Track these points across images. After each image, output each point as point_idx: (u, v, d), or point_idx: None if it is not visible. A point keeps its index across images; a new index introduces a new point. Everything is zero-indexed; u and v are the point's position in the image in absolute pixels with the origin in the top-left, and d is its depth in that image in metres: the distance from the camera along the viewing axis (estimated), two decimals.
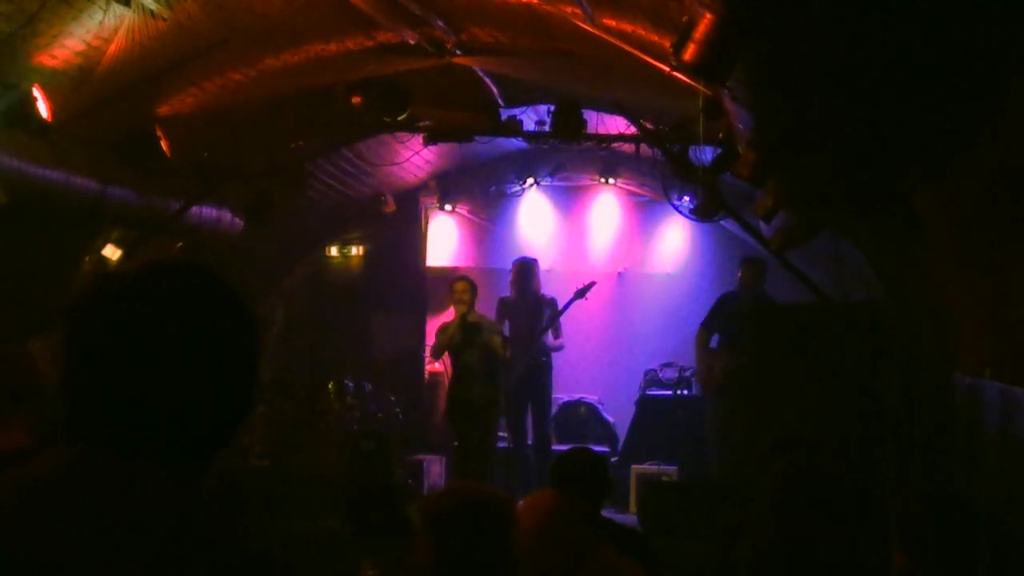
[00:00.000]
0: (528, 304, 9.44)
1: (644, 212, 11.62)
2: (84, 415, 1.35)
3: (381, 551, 4.80)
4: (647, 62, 5.79)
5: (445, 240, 11.94)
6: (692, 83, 5.28)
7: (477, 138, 8.87)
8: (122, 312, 1.35)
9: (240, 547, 1.33)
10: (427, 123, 8.49)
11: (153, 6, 5.51)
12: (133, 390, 1.33)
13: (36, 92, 5.82)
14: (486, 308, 9.60)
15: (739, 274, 9.02)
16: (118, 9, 5.44)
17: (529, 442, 9.49)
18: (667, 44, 4.69)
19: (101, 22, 5.51)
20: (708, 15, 3.67)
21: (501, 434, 9.32)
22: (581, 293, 9.56)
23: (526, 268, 9.58)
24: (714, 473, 8.47)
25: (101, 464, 1.31)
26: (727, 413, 8.43)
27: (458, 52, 7.13)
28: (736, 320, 8.61)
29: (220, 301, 1.41)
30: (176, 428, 1.35)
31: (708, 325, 9.00)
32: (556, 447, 9.77)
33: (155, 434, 1.34)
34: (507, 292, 9.68)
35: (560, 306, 9.45)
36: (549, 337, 9.43)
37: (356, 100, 7.54)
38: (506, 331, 9.28)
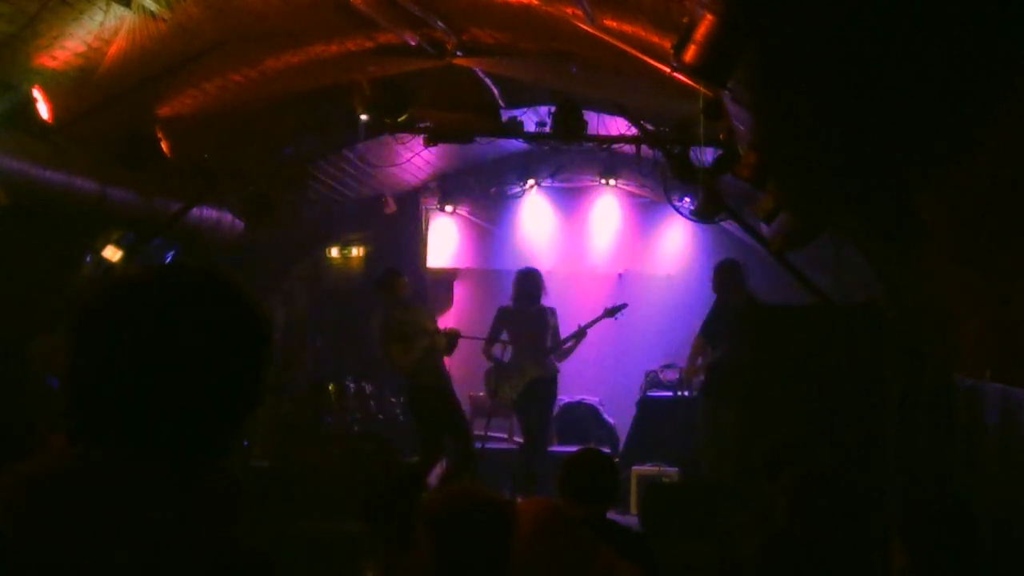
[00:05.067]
0: (532, 315, 9.27)
1: (645, 213, 11.63)
2: (88, 413, 1.37)
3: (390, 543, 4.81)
4: (648, 63, 5.79)
5: (445, 241, 11.94)
6: (693, 84, 5.28)
7: (478, 139, 8.86)
8: (132, 314, 1.39)
9: (238, 547, 1.36)
10: (428, 124, 8.49)
11: (153, 7, 5.50)
12: (138, 390, 1.36)
13: (37, 93, 5.82)
14: (485, 311, 9.57)
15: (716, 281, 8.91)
16: (118, 10, 5.44)
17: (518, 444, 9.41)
18: (668, 45, 4.69)
19: (101, 23, 5.50)
20: (709, 16, 3.67)
21: (497, 435, 9.26)
22: (611, 312, 9.55)
23: (534, 279, 9.31)
24: (708, 472, 8.46)
25: (103, 463, 1.33)
26: (715, 412, 8.43)
27: (459, 53, 7.13)
28: (722, 317, 8.64)
29: (229, 306, 1.44)
30: (179, 429, 1.38)
31: (704, 331, 9.00)
32: (558, 448, 9.77)
33: (158, 434, 1.37)
34: (507, 294, 9.56)
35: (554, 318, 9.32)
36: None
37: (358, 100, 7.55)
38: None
